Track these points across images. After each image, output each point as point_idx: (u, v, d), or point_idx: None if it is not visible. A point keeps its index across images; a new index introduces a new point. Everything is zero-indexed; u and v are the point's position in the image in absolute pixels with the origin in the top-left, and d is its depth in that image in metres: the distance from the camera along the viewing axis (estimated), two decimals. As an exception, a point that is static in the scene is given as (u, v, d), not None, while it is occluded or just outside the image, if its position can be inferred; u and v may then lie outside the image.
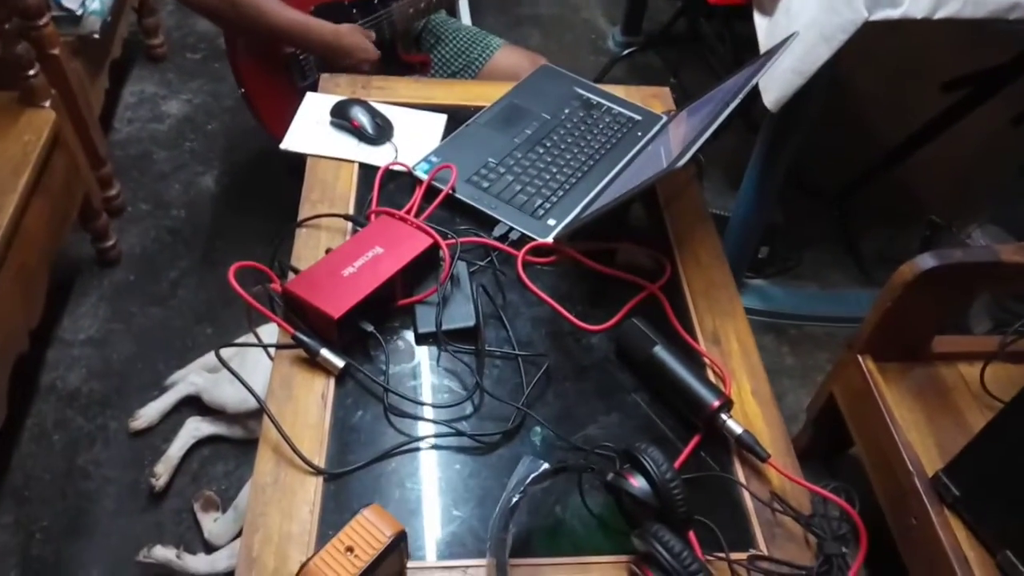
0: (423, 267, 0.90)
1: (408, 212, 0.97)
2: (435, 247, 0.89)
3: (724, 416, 0.79)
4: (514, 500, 0.64)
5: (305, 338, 0.82)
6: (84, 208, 1.60)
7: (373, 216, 0.96)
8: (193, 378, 1.41)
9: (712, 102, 0.96)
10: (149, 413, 1.41)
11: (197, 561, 1.22)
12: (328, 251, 0.90)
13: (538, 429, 0.79)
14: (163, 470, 1.31)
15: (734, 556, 0.70)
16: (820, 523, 0.72)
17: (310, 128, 1.10)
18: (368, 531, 0.60)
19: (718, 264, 1.00)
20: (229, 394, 1.34)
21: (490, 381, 0.83)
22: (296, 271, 0.90)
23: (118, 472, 1.37)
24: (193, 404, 1.43)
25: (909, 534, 1.03)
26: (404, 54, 1.52)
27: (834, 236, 1.92)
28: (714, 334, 0.92)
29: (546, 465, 0.67)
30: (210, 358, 1.43)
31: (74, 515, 1.31)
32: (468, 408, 0.80)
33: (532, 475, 0.65)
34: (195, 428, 1.36)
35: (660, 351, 0.83)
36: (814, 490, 0.74)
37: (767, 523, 0.74)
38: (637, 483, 0.68)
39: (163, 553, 1.18)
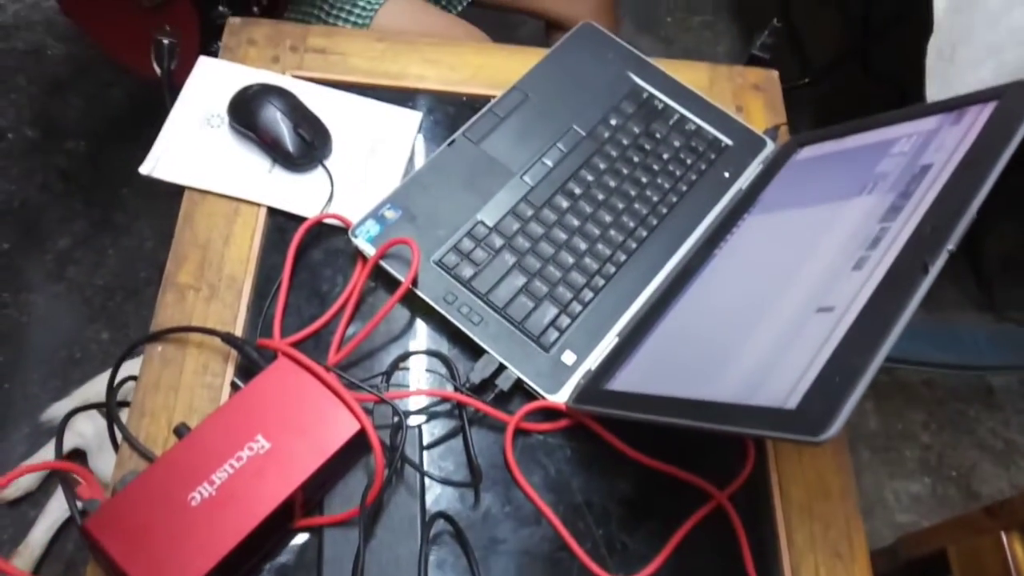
0: (341, 459, 0.56)
1: (332, 346, 0.61)
2: (362, 435, 0.55)
3: None
4: None
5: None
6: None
7: (268, 349, 0.60)
8: (82, 426, 1.05)
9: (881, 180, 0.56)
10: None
11: None
12: (179, 431, 0.55)
13: None
14: (23, 564, 1.00)
15: None
16: None
17: (193, 134, 0.71)
18: None
19: (834, 450, 0.66)
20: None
21: None
22: (139, 449, 0.57)
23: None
24: (78, 458, 1.07)
25: None
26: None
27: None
28: (816, 597, 0.59)
29: None
30: (97, 386, 1.10)
31: None
32: None
33: None
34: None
35: None
36: None
37: None
38: None
39: None
